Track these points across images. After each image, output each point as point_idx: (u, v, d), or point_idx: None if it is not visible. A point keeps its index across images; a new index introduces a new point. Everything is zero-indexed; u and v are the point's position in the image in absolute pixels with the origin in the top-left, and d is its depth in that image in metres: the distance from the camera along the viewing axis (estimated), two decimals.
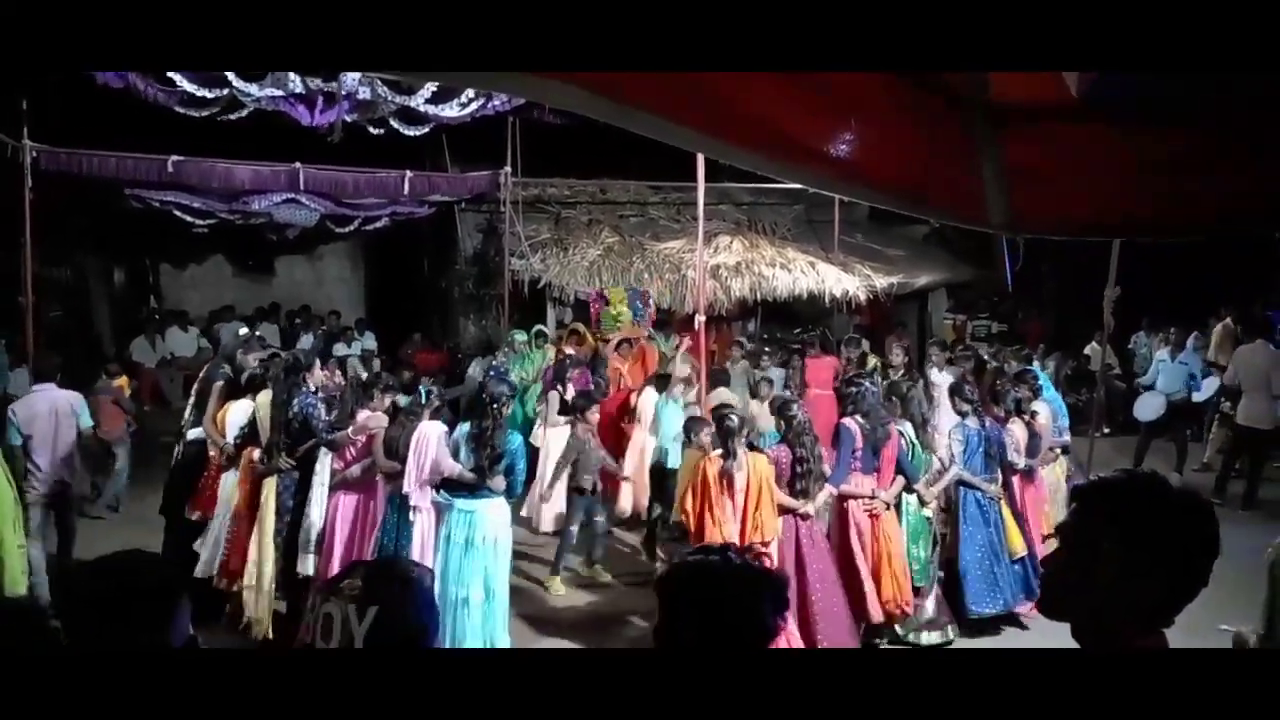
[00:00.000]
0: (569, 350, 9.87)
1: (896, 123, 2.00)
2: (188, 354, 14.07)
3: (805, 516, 5.67)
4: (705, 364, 8.36)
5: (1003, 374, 8.08)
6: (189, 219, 12.15)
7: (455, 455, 5.69)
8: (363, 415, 5.92)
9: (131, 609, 1.67)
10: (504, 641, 5.74)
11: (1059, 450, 7.33)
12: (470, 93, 9.01)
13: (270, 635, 5.82)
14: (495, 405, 5.73)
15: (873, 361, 10.86)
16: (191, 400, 7.05)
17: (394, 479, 5.79)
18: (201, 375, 7.18)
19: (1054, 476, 7.20)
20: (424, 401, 6.12)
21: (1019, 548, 6.28)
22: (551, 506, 7.97)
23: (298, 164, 10.74)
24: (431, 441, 5.68)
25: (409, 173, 11.49)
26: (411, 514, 5.69)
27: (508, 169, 12.05)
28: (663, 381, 7.33)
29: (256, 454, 5.94)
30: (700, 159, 7.62)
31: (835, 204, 13.09)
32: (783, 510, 5.61)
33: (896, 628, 6.05)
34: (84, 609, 1.69)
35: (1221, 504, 8.46)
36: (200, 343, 14.36)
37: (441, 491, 5.75)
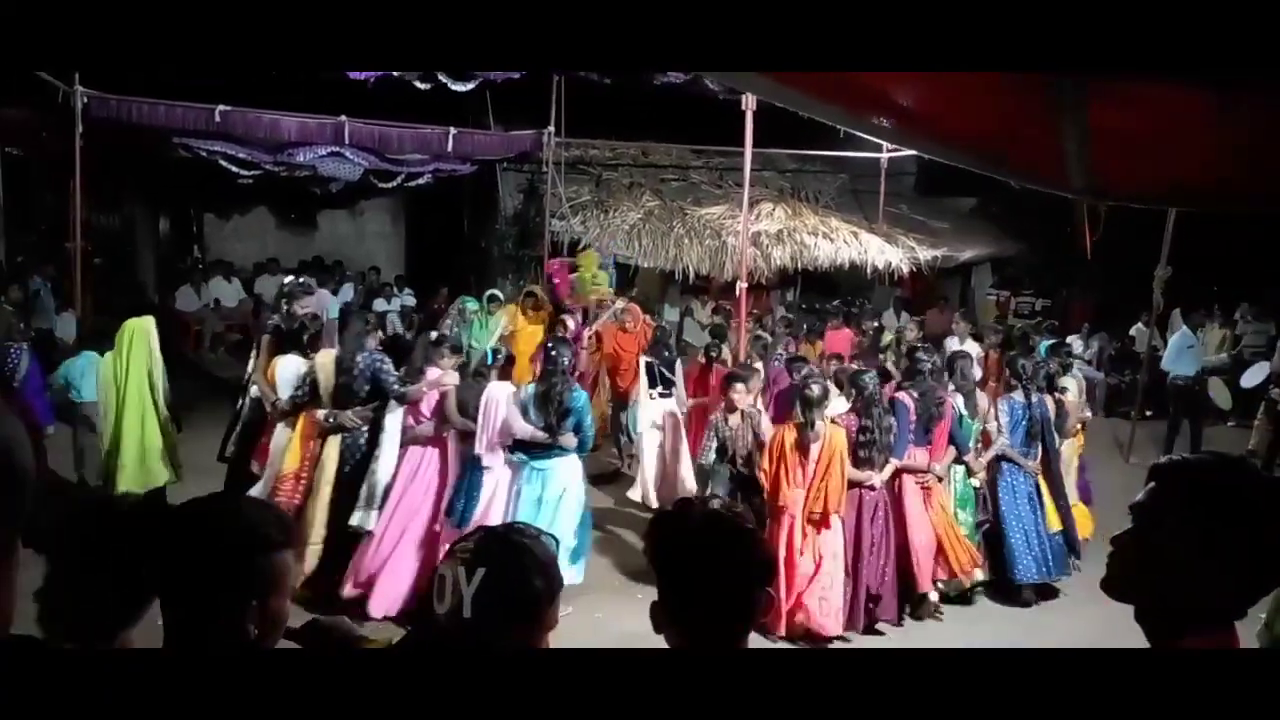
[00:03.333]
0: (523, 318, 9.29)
1: (977, 81, 1.93)
2: (230, 304, 14.27)
3: (871, 488, 5.75)
4: (743, 332, 8.31)
5: (1028, 348, 8.00)
6: (234, 169, 12.20)
7: (525, 415, 5.69)
8: (433, 373, 5.90)
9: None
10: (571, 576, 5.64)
11: (1079, 425, 7.23)
12: None
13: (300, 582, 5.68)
14: (561, 364, 5.74)
15: (888, 336, 10.80)
16: (253, 354, 6.92)
17: (467, 438, 5.80)
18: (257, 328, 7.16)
19: (1068, 453, 7.04)
20: (490, 362, 6.08)
21: (1055, 523, 6.34)
22: (680, 481, 7.68)
23: (343, 117, 10.77)
24: (500, 403, 5.68)
25: (453, 129, 11.48)
26: (483, 473, 5.71)
27: (550, 129, 11.99)
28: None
29: (321, 413, 5.81)
30: (749, 124, 7.55)
31: (881, 174, 12.90)
32: (851, 483, 5.66)
33: (940, 585, 6.04)
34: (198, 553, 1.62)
35: None
36: (242, 294, 14.53)
37: (516, 452, 5.77)
